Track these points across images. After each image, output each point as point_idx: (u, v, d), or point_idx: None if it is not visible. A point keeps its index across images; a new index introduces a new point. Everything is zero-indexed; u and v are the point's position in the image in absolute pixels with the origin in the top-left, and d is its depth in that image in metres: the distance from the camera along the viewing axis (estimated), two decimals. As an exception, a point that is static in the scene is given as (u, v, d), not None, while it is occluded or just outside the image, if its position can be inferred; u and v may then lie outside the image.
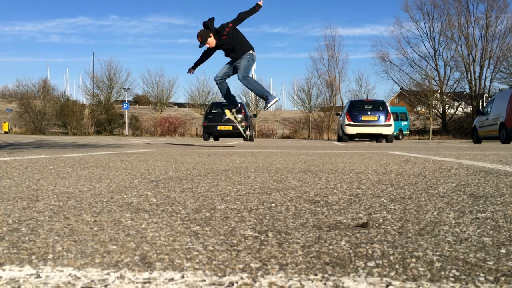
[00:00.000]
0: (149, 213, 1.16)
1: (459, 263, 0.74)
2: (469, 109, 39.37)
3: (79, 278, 0.66)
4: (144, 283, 0.64)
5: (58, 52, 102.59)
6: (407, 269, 0.71)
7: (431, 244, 0.86)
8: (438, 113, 38.49)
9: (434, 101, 36.56)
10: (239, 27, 6.51)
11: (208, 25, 6.42)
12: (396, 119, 25.45)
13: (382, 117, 14.33)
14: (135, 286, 0.63)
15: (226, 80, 6.88)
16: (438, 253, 0.79)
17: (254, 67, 6.80)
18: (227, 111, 7.50)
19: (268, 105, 6.70)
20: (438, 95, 37.66)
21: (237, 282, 0.64)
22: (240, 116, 7.67)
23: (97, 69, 51.35)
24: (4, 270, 0.69)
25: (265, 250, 0.81)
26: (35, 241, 0.87)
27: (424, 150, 6.02)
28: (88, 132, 34.22)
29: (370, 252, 0.80)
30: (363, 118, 14.37)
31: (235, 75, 6.66)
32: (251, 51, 6.59)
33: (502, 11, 35.79)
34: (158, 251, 0.80)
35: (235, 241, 0.87)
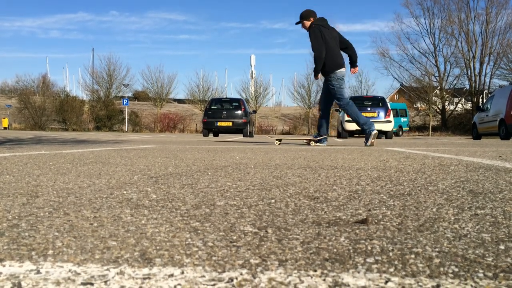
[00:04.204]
0: (148, 209, 1.17)
1: (458, 259, 0.74)
2: (468, 105, 39.37)
3: (79, 274, 0.66)
4: (144, 279, 0.64)
5: (57, 47, 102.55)
6: (406, 265, 0.71)
7: (430, 240, 0.86)
8: (438, 110, 38.48)
9: (433, 98, 36.56)
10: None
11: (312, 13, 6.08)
12: (396, 115, 25.46)
13: (382, 113, 14.34)
14: (135, 282, 0.63)
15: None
16: (437, 249, 0.80)
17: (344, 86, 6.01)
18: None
19: (369, 142, 5.92)
20: (438, 91, 37.65)
21: (236, 278, 0.64)
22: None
23: (97, 65, 51.29)
24: (4, 265, 0.70)
25: (265, 246, 0.81)
26: (35, 237, 0.87)
27: (424, 147, 6.02)
28: (87, 128, 34.20)
29: (369, 248, 0.80)
30: (362, 114, 14.37)
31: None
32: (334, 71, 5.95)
33: (503, 7, 35.77)
34: (157, 247, 0.80)
35: (234, 237, 0.87)
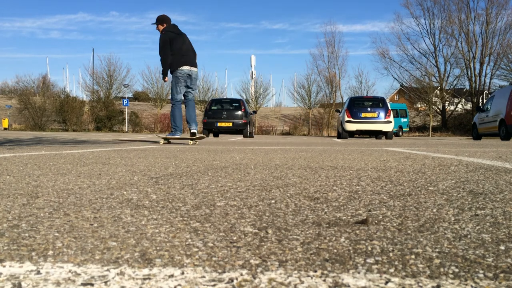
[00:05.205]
0: (149, 210, 1.17)
1: (458, 259, 0.74)
2: (469, 106, 39.37)
3: (79, 274, 0.66)
4: (144, 279, 0.64)
5: (58, 48, 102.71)
6: (407, 265, 0.71)
7: (431, 241, 0.86)
8: (438, 110, 38.47)
9: (434, 98, 36.53)
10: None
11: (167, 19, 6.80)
12: (396, 115, 25.47)
13: (382, 114, 14.33)
14: (135, 282, 0.63)
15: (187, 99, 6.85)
16: (437, 250, 0.80)
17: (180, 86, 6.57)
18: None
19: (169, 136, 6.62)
20: (438, 91, 37.63)
21: (236, 279, 0.64)
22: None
23: (97, 65, 51.29)
24: (4, 266, 0.70)
25: (265, 246, 0.81)
26: (35, 237, 0.87)
27: (424, 147, 6.02)
28: (87, 128, 34.19)
29: (369, 248, 0.80)
30: (363, 114, 14.36)
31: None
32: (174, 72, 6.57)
33: (503, 7, 35.76)
34: (158, 248, 0.80)
35: (234, 238, 0.87)
